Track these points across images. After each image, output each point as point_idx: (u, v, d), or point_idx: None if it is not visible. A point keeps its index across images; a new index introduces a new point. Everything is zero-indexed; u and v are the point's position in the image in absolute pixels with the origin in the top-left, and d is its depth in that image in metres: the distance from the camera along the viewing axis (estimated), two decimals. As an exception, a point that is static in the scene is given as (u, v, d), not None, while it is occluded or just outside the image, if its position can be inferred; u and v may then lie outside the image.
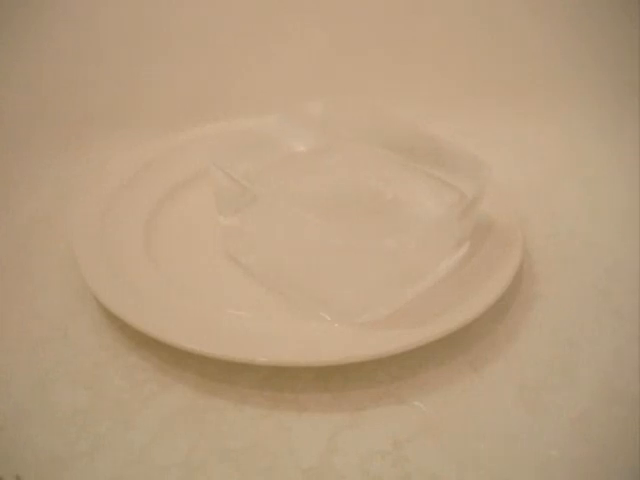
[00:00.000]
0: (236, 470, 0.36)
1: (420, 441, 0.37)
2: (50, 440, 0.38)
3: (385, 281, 0.42)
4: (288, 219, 0.42)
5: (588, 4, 0.60)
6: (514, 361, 0.42)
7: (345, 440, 0.38)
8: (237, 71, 0.64)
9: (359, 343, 0.40)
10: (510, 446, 0.37)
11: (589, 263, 0.49)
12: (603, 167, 0.58)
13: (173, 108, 0.61)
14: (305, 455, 0.37)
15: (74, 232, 0.48)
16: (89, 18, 0.62)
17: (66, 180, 0.56)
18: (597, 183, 0.56)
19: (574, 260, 0.49)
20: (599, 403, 0.39)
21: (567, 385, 0.40)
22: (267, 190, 0.43)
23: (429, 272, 0.44)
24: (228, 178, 0.44)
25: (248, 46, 0.64)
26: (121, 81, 0.62)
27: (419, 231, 0.42)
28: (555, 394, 0.40)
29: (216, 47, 0.64)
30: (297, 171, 0.47)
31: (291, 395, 0.40)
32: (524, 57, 0.63)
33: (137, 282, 0.44)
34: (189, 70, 0.63)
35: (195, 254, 0.48)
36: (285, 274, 0.45)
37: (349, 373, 0.41)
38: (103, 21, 0.62)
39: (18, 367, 0.41)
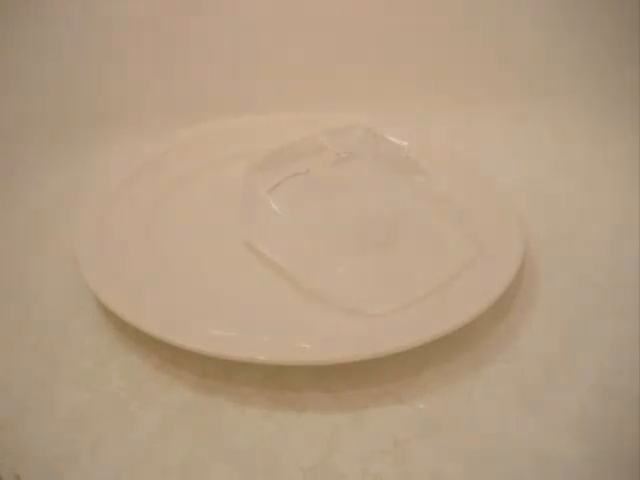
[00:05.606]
0: (236, 470, 0.36)
1: (420, 441, 0.37)
2: (50, 440, 0.37)
3: (391, 280, 0.43)
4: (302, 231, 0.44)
5: (582, 6, 0.60)
6: (514, 361, 0.42)
7: (345, 440, 0.38)
8: (237, 71, 0.64)
9: (359, 343, 0.40)
10: (510, 446, 0.37)
11: (589, 263, 0.49)
12: (603, 167, 0.58)
13: (173, 107, 0.61)
14: (305, 455, 0.37)
15: (74, 231, 0.48)
16: (90, 18, 0.62)
17: (67, 179, 0.56)
18: (597, 183, 0.56)
19: (574, 259, 0.49)
20: (599, 402, 0.39)
21: (567, 384, 0.40)
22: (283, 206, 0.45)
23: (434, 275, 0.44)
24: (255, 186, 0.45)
25: (248, 46, 0.64)
26: (122, 81, 0.62)
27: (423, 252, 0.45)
28: (555, 393, 0.40)
29: (216, 47, 0.64)
30: (315, 188, 0.46)
31: (291, 395, 0.40)
32: (522, 59, 0.63)
33: (137, 281, 0.44)
34: (189, 70, 0.63)
35: (194, 253, 0.48)
36: (303, 266, 0.45)
37: (349, 373, 0.41)
38: (104, 20, 0.62)
39: (18, 367, 0.41)
